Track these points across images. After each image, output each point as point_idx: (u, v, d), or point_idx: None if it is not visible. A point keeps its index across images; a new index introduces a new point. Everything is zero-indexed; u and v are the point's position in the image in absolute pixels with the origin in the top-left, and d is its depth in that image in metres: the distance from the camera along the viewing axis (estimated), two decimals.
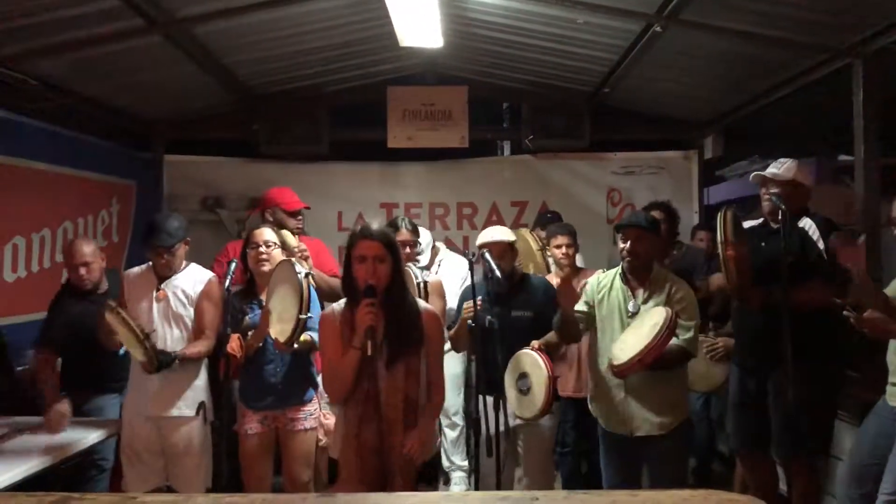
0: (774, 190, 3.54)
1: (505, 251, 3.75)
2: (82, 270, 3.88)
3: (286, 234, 4.13)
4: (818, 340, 3.38)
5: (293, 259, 3.67)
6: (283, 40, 4.92)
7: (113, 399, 3.96)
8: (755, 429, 3.63)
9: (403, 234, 4.03)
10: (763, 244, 3.56)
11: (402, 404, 2.73)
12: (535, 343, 3.54)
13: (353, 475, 2.72)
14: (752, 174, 3.70)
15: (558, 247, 4.41)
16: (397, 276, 2.79)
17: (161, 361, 3.36)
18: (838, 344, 3.49)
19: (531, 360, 3.49)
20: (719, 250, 3.38)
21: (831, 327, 3.38)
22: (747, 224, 3.66)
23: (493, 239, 3.80)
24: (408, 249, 3.98)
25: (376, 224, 2.81)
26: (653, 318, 3.19)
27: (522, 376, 3.51)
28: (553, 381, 3.41)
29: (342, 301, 2.84)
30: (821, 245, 3.43)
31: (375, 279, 2.69)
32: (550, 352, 3.56)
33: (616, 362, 3.21)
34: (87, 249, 3.90)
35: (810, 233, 3.45)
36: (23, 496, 1.99)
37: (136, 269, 3.77)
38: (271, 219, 4.40)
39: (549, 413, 3.50)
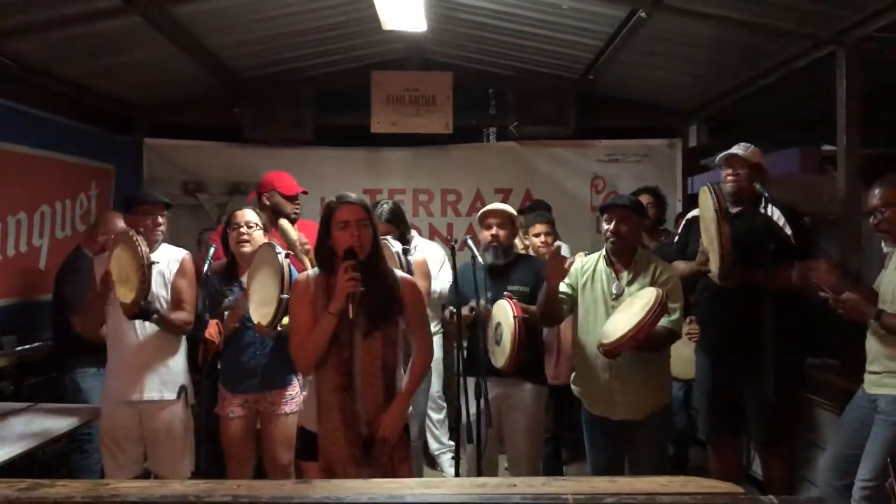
0: (741, 171, 3.56)
1: (505, 222, 3.76)
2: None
3: (286, 225, 4.06)
4: (788, 327, 3.41)
5: (274, 241, 3.63)
6: (266, 23, 4.85)
7: None
8: (724, 414, 3.66)
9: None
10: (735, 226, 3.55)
11: (380, 373, 2.71)
12: (507, 293, 3.54)
13: (336, 449, 2.68)
14: (720, 155, 3.69)
15: (537, 235, 4.40)
16: (376, 244, 2.79)
17: (144, 308, 3.29)
18: (807, 330, 3.53)
19: (502, 308, 3.50)
20: (713, 223, 3.38)
21: (800, 314, 3.42)
22: (695, 213, 3.67)
23: (495, 208, 3.82)
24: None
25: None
26: (643, 298, 3.18)
27: (497, 326, 3.53)
28: (520, 323, 3.37)
29: (315, 269, 2.81)
30: (787, 231, 3.46)
31: (360, 243, 2.68)
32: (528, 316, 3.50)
33: (606, 341, 3.19)
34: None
35: (775, 218, 3.48)
36: None
37: (104, 254, 3.69)
38: (268, 203, 4.35)
39: (518, 360, 3.43)
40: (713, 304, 3.70)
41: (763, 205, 3.47)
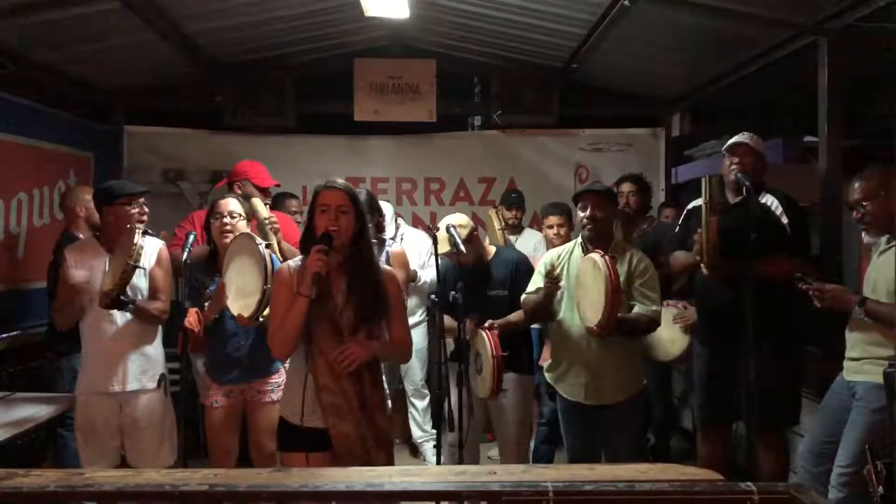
0: (748, 158, 3.53)
1: (466, 238, 3.67)
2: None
3: (257, 202, 4.02)
4: (783, 313, 3.42)
5: (251, 232, 3.60)
6: (247, 8, 4.79)
7: None
8: (722, 405, 3.66)
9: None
10: (724, 217, 3.55)
11: (365, 370, 2.70)
12: (488, 322, 3.49)
13: (344, 434, 2.65)
14: (728, 143, 3.65)
15: (550, 227, 4.36)
16: (363, 232, 2.74)
17: (119, 298, 3.26)
18: (802, 316, 3.53)
19: (481, 340, 3.47)
20: (703, 215, 3.38)
21: (796, 300, 3.42)
22: (697, 203, 3.66)
23: (449, 233, 3.72)
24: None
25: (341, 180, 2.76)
26: (592, 268, 3.20)
27: (477, 356, 3.52)
28: (499, 361, 3.35)
29: (298, 258, 2.79)
30: (784, 220, 3.46)
31: (336, 228, 2.64)
32: (506, 331, 3.49)
33: (593, 323, 3.18)
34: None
35: (773, 208, 3.48)
36: None
37: (76, 243, 3.64)
38: (240, 192, 4.31)
39: (499, 393, 3.44)
40: (708, 293, 3.70)
41: (747, 194, 3.47)
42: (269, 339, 2.77)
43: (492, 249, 3.90)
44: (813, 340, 3.91)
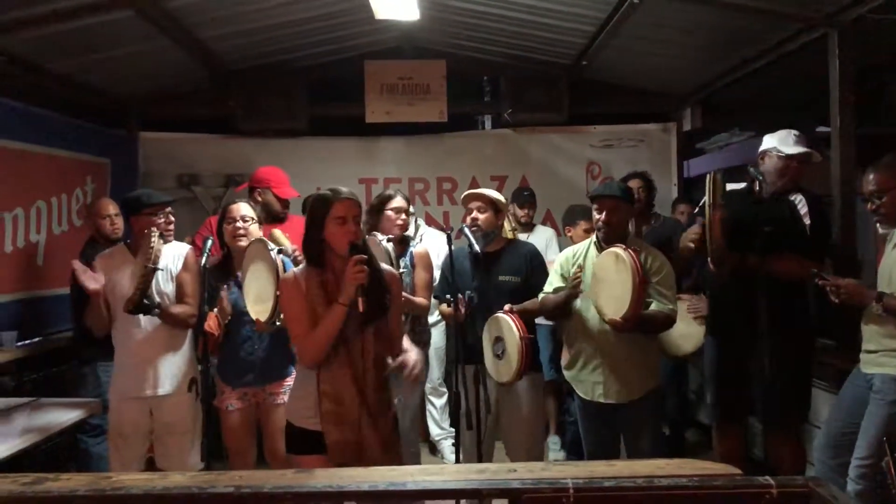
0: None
1: (486, 206, 3.67)
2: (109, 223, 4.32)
3: (280, 236, 4.03)
4: (793, 307, 3.42)
5: (264, 238, 3.63)
6: (258, 14, 4.83)
7: None
8: (735, 400, 3.67)
9: (400, 202, 3.89)
10: (745, 210, 3.53)
11: (371, 366, 2.75)
12: (507, 306, 3.48)
13: (340, 441, 2.70)
14: (807, 151, 3.61)
15: (587, 230, 4.35)
16: (365, 238, 2.84)
17: (142, 302, 3.31)
18: (811, 312, 3.54)
19: (504, 323, 3.43)
20: (706, 212, 3.38)
21: (805, 294, 3.42)
22: (730, 187, 3.65)
23: (474, 191, 3.78)
24: (403, 216, 3.86)
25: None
26: (615, 261, 3.21)
27: (497, 340, 3.47)
28: (527, 342, 3.33)
29: (300, 266, 2.82)
30: (807, 221, 3.44)
31: (357, 238, 2.72)
32: (525, 318, 3.48)
33: (617, 316, 3.18)
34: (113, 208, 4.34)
35: (799, 206, 3.46)
36: None
37: (106, 252, 3.70)
38: (260, 199, 4.33)
39: (524, 375, 3.42)
40: (718, 287, 3.71)
41: (759, 187, 3.48)
42: (298, 347, 2.81)
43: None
44: (829, 333, 3.91)
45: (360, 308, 2.62)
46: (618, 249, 3.20)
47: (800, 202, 3.50)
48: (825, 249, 3.56)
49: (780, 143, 3.57)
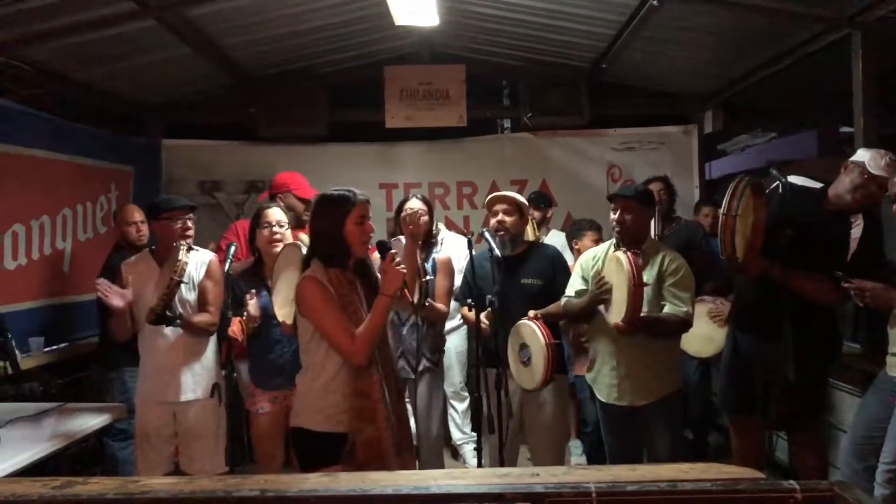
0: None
1: (511, 209, 3.66)
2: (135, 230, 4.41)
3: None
4: (815, 313, 3.36)
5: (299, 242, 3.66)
6: (278, 21, 4.88)
7: None
8: (744, 393, 3.61)
9: (414, 203, 3.88)
10: (803, 220, 3.39)
11: (391, 374, 2.82)
12: (531, 312, 3.46)
13: (373, 440, 2.67)
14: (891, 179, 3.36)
15: (594, 241, 4.35)
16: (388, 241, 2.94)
17: (164, 314, 3.34)
18: (834, 316, 3.49)
19: (529, 329, 3.41)
20: (720, 219, 3.33)
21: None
22: (799, 180, 3.54)
23: (500, 194, 3.78)
24: (424, 218, 3.83)
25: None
26: (616, 265, 3.22)
27: (523, 347, 3.45)
28: (553, 349, 3.30)
29: (313, 267, 2.78)
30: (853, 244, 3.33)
31: (368, 238, 2.80)
32: (549, 321, 3.45)
33: (617, 320, 3.20)
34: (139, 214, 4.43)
35: (854, 224, 3.36)
36: (27, 481, 2.00)
37: (132, 259, 3.73)
38: (282, 204, 4.37)
39: (551, 382, 3.39)
40: (744, 290, 3.68)
41: (781, 189, 3.43)
42: (348, 348, 2.69)
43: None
44: (855, 337, 3.86)
45: (411, 299, 2.76)
46: (619, 254, 3.21)
47: (857, 225, 3.37)
48: (863, 273, 3.42)
49: (870, 160, 3.35)
